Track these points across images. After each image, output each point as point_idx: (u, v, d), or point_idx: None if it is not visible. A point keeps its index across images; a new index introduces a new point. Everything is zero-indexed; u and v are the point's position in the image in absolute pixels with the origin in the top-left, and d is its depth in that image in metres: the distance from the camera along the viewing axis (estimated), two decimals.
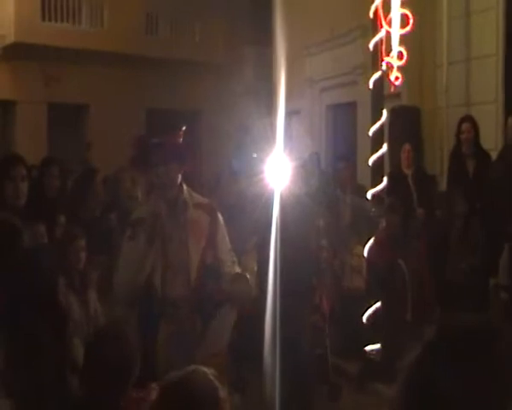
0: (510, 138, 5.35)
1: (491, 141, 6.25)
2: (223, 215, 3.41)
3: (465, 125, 5.47)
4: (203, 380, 1.69)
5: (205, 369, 1.73)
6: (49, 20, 12.72)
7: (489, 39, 6.61)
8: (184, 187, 3.19)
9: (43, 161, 5.15)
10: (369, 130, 7.26)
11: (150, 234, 3.05)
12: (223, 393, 1.69)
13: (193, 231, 3.11)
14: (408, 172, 5.57)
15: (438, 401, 0.93)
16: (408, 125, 6.72)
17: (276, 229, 4.19)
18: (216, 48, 14.60)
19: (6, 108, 12.97)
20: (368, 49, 5.54)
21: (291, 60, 9.45)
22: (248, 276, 3.24)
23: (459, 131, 5.51)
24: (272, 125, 10.36)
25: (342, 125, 9.82)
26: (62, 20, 12.89)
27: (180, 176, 3.18)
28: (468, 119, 5.63)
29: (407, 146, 5.55)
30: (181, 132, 3.27)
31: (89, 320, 3.41)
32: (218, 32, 14.77)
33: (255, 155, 6.44)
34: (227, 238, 3.25)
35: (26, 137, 12.27)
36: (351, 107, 9.26)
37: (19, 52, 12.12)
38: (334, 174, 6.48)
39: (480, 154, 5.51)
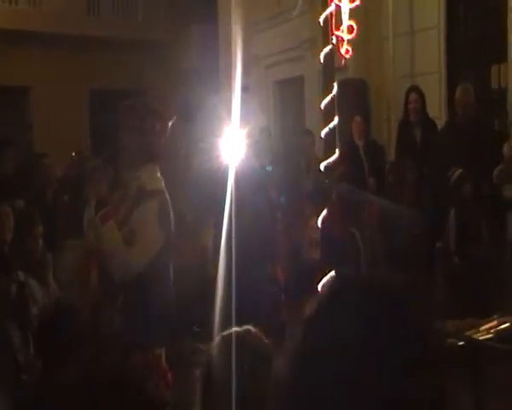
0: (458, 106, 5.57)
1: (436, 110, 6.47)
2: (181, 191, 3.42)
3: (412, 96, 5.70)
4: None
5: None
6: None
7: (431, 11, 6.80)
8: (146, 168, 3.18)
9: None
10: (316, 104, 7.37)
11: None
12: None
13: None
14: (359, 143, 5.72)
15: (333, 360, 0.86)
16: (356, 97, 6.86)
17: (231, 204, 4.25)
18: (160, 26, 14.39)
19: None
20: (315, 23, 5.57)
21: (237, 37, 9.44)
22: None
23: (407, 101, 5.70)
24: (221, 102, 10.38)
25: (290, 100, 9.92)
26: None
27: (142, 157, 3.19)
28: (414, 89, 5.85)
29: (358, 118, 5.69)
30: (159, 117, 3.23)
31: (50, 301, 3.40)
32: (162, 10, 14.55)
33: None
34: (144, 220, 3.20)
35: None
36: (298, 81, 9.36)
37: None
38: (298, 148, 6.62)
39: (427, 122, 5.73)
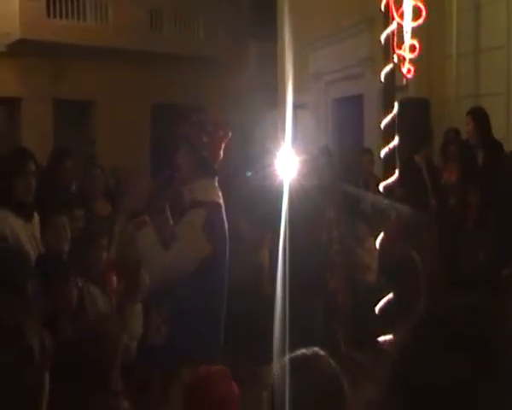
0: None
1: (503, 132, 6.28)
2: (236, 209, 3.40)
3: (468, 118, 5.64)
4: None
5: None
6: (55, 16, 12.74)
7: (499, 30, 6.61)
8: (202, 182, 3.18)
9: (56, 152, 5.18)
10: (376, 122, 7.26)
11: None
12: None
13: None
14: (422, 164, 5.62)
15: (423, 388, 0.87)
16: (417, 117, 6.74)
17: (285, 222, 4.22)
18: (220, 43, 14.62)
19: (12, 105, 13.00)
20: (375, 41, 5.50)
21: (296, 54, 9.47)
22: None
23: (467, 127, 5.64)
24: (278, 120, 10.40)
25: (349, 119, 9.84)
26: (67, 17, 12.92)
27: (199, 169, 3.21)
28: (471, 111, 5.75)
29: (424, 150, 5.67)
30: (207, 129, 3.24)
31: (112, 311, 3.48)
32: (222, 27, 14.79)
33: (249, 174, 6.40)
34: (188, 231, 3.08)
35: (32, 133, 12.29)
36: (357, 100, 9.27)
37: (24, 49, 12.14)
38: (356, 167, 6.56)
39: (490, 144, 5.57)
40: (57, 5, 12.80)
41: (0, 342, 1.11)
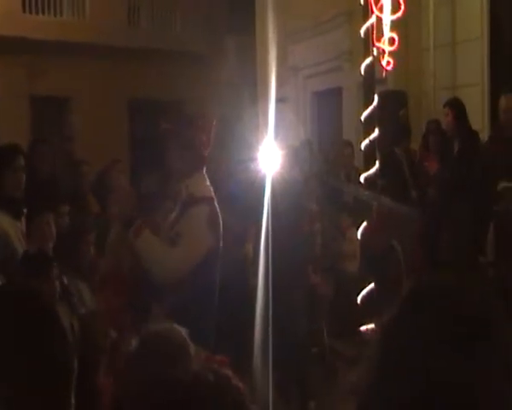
0: (502, 119, 5.50)
1: (479, 122, 6.39)
2: (222, 204, 3.43)
3: (444, 109, 5.78)
4: (179, 336, 1.87)
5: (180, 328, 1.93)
6: (30, 11, 12.57)
7: (474, 23, 6.73)
8: (195, 177, 3.21)
9: (32, 142, 5.13)
10: (355, 115, 7.34)
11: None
12: (193, 350, 1.89)
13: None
14: (402, 155, 5.73)
15: (414, 359, 0.89)
16: (395, 109, 6.83)
17: (268, 215, 4.26)
18: (197, 37, 14.58)
19: None
20: (354, 34, 5.57)
21: (274, 48, 9.49)
22: None
23: (445, 115, 5.75)
24: (258, 114, 10.42)
25: (328, 112, 9.91)
26: (43, 12, 12.75)
27: (194, 165, 3.23)
28: (448, 102, 5.87)
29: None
30: (198, 123, 3.27)
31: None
32: (200, 21, 14.75)
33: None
34: (188, 227, 3.13)
35: (9, 130, 12.14)
36: (336, 93, 9.35)
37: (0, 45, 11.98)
38: (337, 160, 6.65)
39: (467, 134, 5.69)
40: (33, 0, 12.64)
41: (38, 326, 1.13)
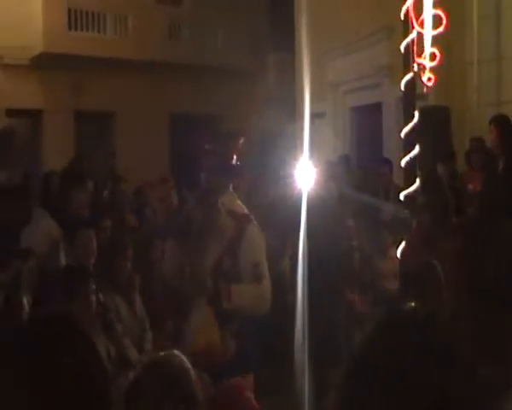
0: None
1: None
2: (259, 220, 3.44)
3: (490, 126, 5.59)
4: (178, 360, 1.90)
5: (179, 352, 1.97)
6: (76, 29, 12.94)
7: None
8: (228, 194, 3.23)
9: (74, 158, 5.25)
10: (394, 131, 7.22)
11: (179, 234, 3.18)
12: (194, 375, 1.93)
13: (215, 236, 3.17)
14: (445, 172, 5.61)
15: (378, 387, 0.91)
16: (437, 125, 6.71)
17: (304, 232, 4.22)
18: (238, 54, 14.70)
19: (34, 117, 13.19)
20: (393, 50, 5.50)
21: (314, 64, 9.49)
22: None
23: (491, 132, 5.59)
24: (297, 130, 10.42)
25: (367, 127, 9.82)
26: (88, 29, 13.10)
27: (229, 184, 3.25)
28: (493, 119, 5.70)
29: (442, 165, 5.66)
30: (236, 144, 3.30)
31: (136, 321, 3.50)
32: (241, 38, 14.88)
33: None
34: (258, 252, 3.22)
35: (54, 145, 12.47)
36: (375, 108, 9.26)
37: (46, 62, 12.33)
38: (376, 176, 6.57)
39: (510, 152, 5.52)
40: (78, 18, 13.00)
41: (74, 354, 1.11)
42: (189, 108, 13.79)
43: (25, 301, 1.94)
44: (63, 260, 3.45)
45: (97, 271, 3.56)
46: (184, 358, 1.94)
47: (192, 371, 1.90)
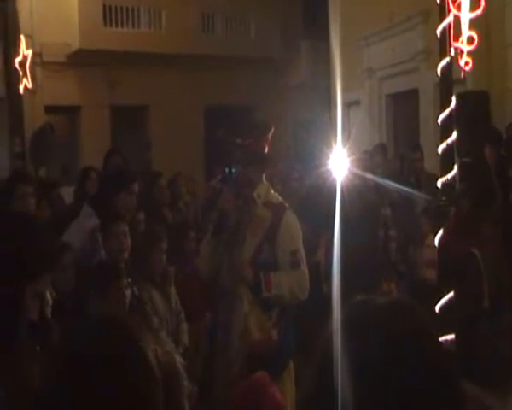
0: None
1: None
2: (294, 210, 3.45)
3: None
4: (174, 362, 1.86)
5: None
6: (111, 25, 13.09)
7: None
8: (262, 185, 3.26)
9: (108, 152, 5.34)
10: (432, 117, 7.08)
11: (215, 229, 3.21)
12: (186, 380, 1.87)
13: (253, 227, 3.19)
14: (489, 157, 5.49)
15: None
16: (476, 110, 6.54)
17: (339, 221, 4.19)
18: (272, 44, 14.64)
19: (72, 113, 13.44)
20: (429, 34, 5.39)
21: (349, 51, 9.37)
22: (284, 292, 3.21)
23: None
24: (332, 118, 10.33)
25: (404, 114, 9.66)
26: (122, 25, 13.24)
27: (262, 175, 3.27)
28: None
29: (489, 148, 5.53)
30: (267, 135, 3.31)
31: (171, 313, 3.54)
32: (274, 27, 14.80)
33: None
34: (295, 239, 3.26)
35: (91, 140, 12.68)
36: (412, 94, 9.10)
37: (83, 58, 12.53)
38: (408, 164, 6.46)
39: None
40: (113, 14, 13.15)
41: (125, 362, 1.08)
42: (223, 99, 13.82)
43: (48, 296, 1.98)
44: (103, 256, 3.51)
45: (132, 264, 3.60)
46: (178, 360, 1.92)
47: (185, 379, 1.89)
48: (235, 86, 13.75)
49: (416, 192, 5.70)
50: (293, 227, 3.24)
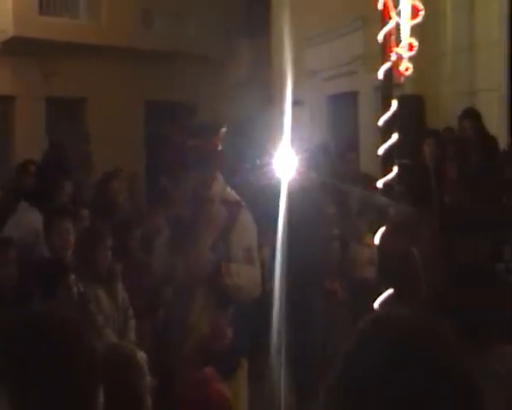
0: None
1: (495, 128, 6.33)
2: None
3: (466, 123, 5.61)
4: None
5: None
6: (47, 14, 12.68)
7: (492, 26, 6.68)
8: (218, 182, 3.27)
9: (49, 147, 5.20)
10: (371, 119, 7.28)
11: (173, 230, 3.21)
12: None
13: (208, 225, 3.21)
14: (430, 164, 5.70)
15: (371, 391, 0.90)
16: (413, 114, 6.79)
17: (284, 221, 4.26)
18: (211, 41, 14.62)
19: (5, 103, 12.93)
20: (369, 39, 5.54)
21: (291, 51, 9.48)
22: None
23: (461, 127, 5.65)
24: (274, 118, 10.41)
25: (344, 115, 9.89)
26: (60, 14, 12.86)
27: (217, 173, 3.28)
28: (468, 115, 5.72)
29: (430, 140, 5.71)
30: (219, 134, 3.32)
31: (118, 311, 3.50)
32: (214, 24, 14.78)
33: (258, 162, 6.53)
34: (250, 237, 3.31)
35: (26, 131, 12.26)
36: (352, 96, 9.33)
37: (17, 46, 12.08)
38: (343, 165, 6.60)
39: (485, 142, 5.62)
40: (50, 2, 12.75)
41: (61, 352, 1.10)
42: (163, 95, 13.69)
43: None
44: (45, 252, 3.42)
45: (76, 261, 3.54)
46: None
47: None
48: (175, 82, 13.64)
49: (358, 191, 5.86)
50: (248, 226, 3.27)
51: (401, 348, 0.93)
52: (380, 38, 5.20)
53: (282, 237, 4.33)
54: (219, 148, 3.32)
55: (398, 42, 5.38)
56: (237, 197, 3.37)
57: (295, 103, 10.44)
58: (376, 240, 5.46)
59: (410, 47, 5.34)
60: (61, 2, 12.92)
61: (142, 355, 1.96)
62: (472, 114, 5.74)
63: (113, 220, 4.66)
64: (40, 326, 1.13)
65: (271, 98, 10.88)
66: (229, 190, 3.36)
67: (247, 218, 3.29)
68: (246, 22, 15.18)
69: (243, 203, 3.37)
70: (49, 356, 1.08)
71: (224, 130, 3.43)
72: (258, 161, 5.95)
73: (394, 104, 5.36)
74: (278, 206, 4.28)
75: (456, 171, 5.85)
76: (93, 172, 7.37)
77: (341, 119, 9.89)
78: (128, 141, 13.01)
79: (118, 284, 3.69)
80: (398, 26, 5.36)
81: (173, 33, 14.41)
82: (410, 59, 5.59)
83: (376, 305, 5.43)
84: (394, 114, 5.36)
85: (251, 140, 9.36)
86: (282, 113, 8.11)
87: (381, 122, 5.47)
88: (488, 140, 5.70)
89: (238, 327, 3.22)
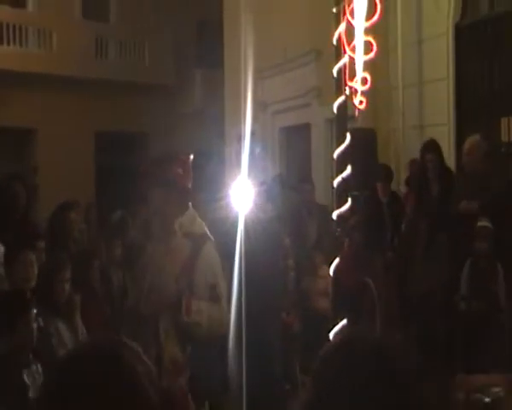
0: (465, 158, 5.61)
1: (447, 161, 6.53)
2: None
3: (429, 156, 5.74)
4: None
5: None
6: None
7: (441, 63, 6.92)
8: (187, 214, 3.21)
9: (7, 179, 5.06)
10: (323, 151, 7.38)
11: (133, 259, 3.15)
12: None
13: (172, 259, 3.14)
14: (383, 199, 5.79)
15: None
16: (365, 147, 6.92)
17: (241, 253, 4.23)
18: (165, 70, 14.64)
19: None
20: (322, 72, 5.67)
21: (242, 83, 9.57)
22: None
23: (423, 160, 5.77)
24: (226, 148, 10.39)
25: (296, 148, 10.00)
26: (9, 43, 12.62)
27: (187, 204, 3.21)
28: (430, 148, 5.85)
29: (381, 185, 5.84)
30: (188, 164, 3.26)
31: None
32: (168, 54, 14.83)
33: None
34: (215, 273, 3.24)
35: None
36: (304, 129, 9.45)
37: None
38: (298, 196, 6.65)
39: (444, 173, 5.78)
40: None
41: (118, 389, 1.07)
42: (114, 125, 13.56)
43: None
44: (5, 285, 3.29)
45: (36, 294, 3.41)
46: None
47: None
48: (127, 113, 13.54)
49: (311, 223, 5.90)
50: (212, 260, 3.20)
51: (366, 366, 0.97)
52: (334, 71, 5.32)
53: (239, 270, 4.29)
54: (189, 178, 3.26)
55: (352, 76, 5.52)
56: (205, 230, 3.29)
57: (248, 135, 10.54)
58: (331, 271, 5.50)
59: (364, 81, 5.48)
60: (10, 30, 12.70)
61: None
62: (434, 147, 5.89)
63: (70, 252, 4.53)
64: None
65: (224, 131, 10.93)
66: (199, 221, 3.29)
67: (210, 251, 3.21)
68: (200, 52, 15.29)
69: (210, 237, 3.30)
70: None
71: (190, 160, 3.38)
72: (215, 194, 5.92)
73: (348, 137, 5.47)
74: (235, 238, 4.24)
75: (415, 201, 5.96)
76: (39, 204, 7.16)
77: (294, 150, 10.00)
78: (78, 172, 12.77)
79: (77, 315, 3.57)
80: (351, 60, 5.50)
81: (127, 62, 14.37)
82: (363, 93, 5.73)
83: (331, 335, 5.45)
84: (348, 147, 5.46)
85: (205, 172, 9.31)
86: (234, 145, 8.16)
87: (335, 155, 5.56)
88: (447, 172, 5.88)
89: (198, 367, 3.13)
